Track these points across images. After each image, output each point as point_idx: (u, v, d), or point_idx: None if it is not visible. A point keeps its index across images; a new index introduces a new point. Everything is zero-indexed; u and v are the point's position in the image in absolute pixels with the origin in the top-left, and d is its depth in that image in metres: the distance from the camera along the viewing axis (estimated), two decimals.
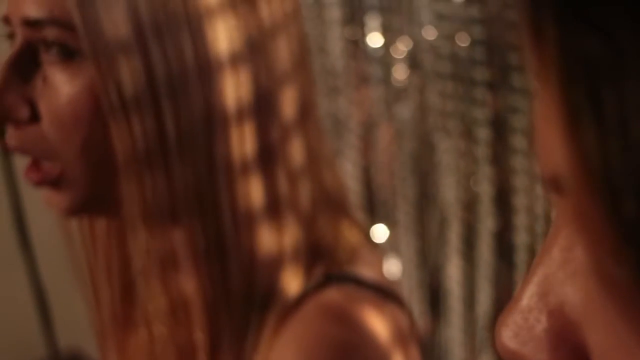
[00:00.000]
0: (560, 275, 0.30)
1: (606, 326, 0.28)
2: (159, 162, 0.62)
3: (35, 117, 0.64)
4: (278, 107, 0.67)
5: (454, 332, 1.30)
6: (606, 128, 0.23)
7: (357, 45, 1.34)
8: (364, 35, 1.32)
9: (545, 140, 0.27)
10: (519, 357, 0.31)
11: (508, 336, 0.31)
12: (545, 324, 0.30)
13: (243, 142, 0.64)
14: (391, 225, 1.41)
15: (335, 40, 1.37)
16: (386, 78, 1.31)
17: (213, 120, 0.63)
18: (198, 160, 0.63)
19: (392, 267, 1.41)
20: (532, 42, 0.26)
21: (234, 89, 0.63)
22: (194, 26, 0.61)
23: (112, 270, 0.75)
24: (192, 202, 0.64)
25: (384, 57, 1.30)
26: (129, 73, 0.60)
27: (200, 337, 0.68)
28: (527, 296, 0.31)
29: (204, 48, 0.62)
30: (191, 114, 0.62)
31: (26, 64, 0.63)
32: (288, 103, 0.68)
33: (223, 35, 0.62)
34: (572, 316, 0.30)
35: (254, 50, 0.65)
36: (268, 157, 0.66)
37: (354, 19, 1.33)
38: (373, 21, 1.31)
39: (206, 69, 0.62)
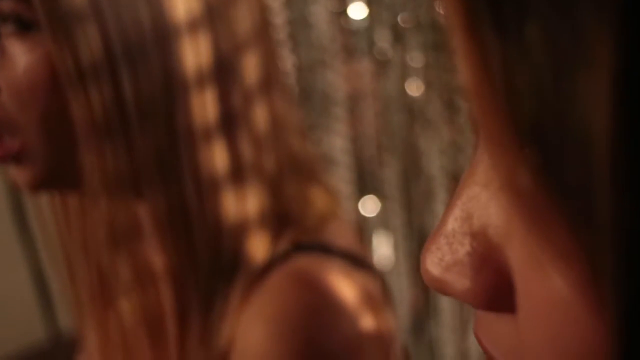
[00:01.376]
0: (483, 196, 0.30)
1: (522, 244, 0.27)
2: (119, 131, 0.62)
3: None
4: (240, 73, 0.66)
5: (443, 302, 1.30)
6: (504, 30, 0.23)
7: (341, 17, 1.33)
8: (347, 7, 1.31)
9: (460, 59, 0.27)
10: (442, 283, 0.30)
11: (432, 262, 0.30)
12: (468, 247, 0.29)
13: (204, 108, 0.64)
14: (381, 197, 1.41)
15: (320, 13, 1.36)
16: (370, 50, 1.31)
17: (173, 87, 0.63)
18: (159, 128, 0.63)
19: (382, 240, 1.41)
20: None
21: (193, 55, 0.63)
22: None
23: (87, 247, 0.75)
24: (154, 171, 0.64)
25: (368, 29, 1.30)
26: (85, 42, 0.60)
27: (168, 307, 0.69)
28: (451, 220, 0.30)
29: (161, 14, 0.61)
30: (150, 81, 0.62)
31: None
32: (250, 69, 0.67)
33: (180, 1, 0.62)
34: (494, 238, 0.29)
35: (213, 16, 0.64)
36: (230, 124, 0.66)
37: None
38: None
39: (164, 35, 0.62)
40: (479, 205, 0.29)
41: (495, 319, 0.30)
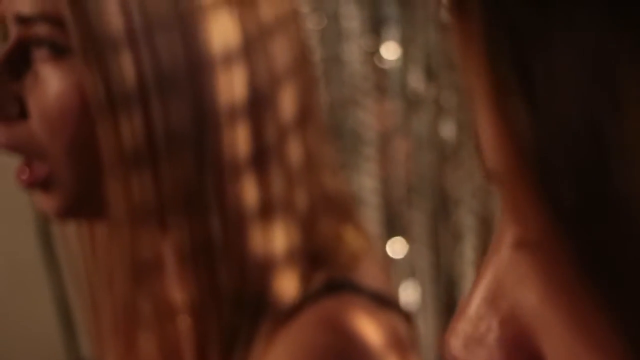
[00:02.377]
0: (510, 277, 0.28)
1: (559, 333, 0.26)
2: (146, 162, 0.62)
3: (24, 115, 0.64)
4: (275, 108, 0.66)
5: None
6: (535, 102, 0.22)
7: (374, 56, 1.33)
8: (380, 46, 1.31)
9: (479, 125, 0.25)
10: None
11: (458, 346, 0.28)
12: (497, 332, 0.28)
13: (235, 142, 0.64)
14: (409, 239, 1.39)
15: (353, 52, 1.36)
16: (403, 90, 1.30)
17: (204, 120, 0.62)
18: (187, 161, 0.62)
19: (409, 283, 1.40)
20: (456, 16, 0.24)
21: (227, 88, 0.63)
22: (186, 24, 0.61)
23: (111, 277, 0.75)
24: (180, 204, 0.63)
25: (401, 69, 1.29)
26: (117, 71, 0.60)
27: (187, 344, 0.67)
28: (477, 301, 0.29)
29: (195, 46, 0.61)
30: (181, 113, 0.61)
31: (18, 61, 0.63)
32: (286, 104, 0.67)
33: (216, 34, 0.62)
34: (525, 322, 0.27)
35: (250, 48, 0.64)
36: (263, 159, 0.65)
37: (371, 30, 1.32)
38: (390, 32, 1.30)
39: (198, 67, 0.61)
40: (506, 286, 0.28)
41: None
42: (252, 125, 0.64)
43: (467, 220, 1.23)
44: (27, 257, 1.96)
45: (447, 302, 1.32)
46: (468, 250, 1.23)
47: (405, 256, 1.40)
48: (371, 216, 1.40)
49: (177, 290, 0.67)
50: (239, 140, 0.64)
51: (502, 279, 0.28)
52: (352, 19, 1.34)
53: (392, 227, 1.42)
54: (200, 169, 0.63)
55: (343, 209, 0.73)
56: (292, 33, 0.68)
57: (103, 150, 0.62)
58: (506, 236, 0.28)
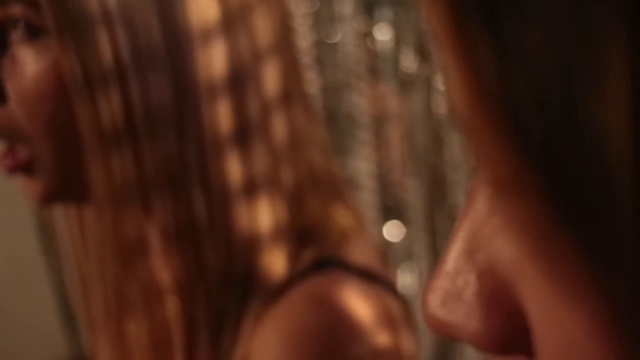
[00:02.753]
0: (487, 228, 0.27)
1: (533, 282, 0.25)
2: (127, 141, 0.61)
3: (3, 98, 0.63)
4: (258, 84, 0.65)
5: None
6: (500, 35, 0.21)
7: (367, 38, 1.32)
8: (373, 28, 1.30)
9: (444, 67, 0.24)
10: (447, 327, 0.27)
11: (435, 304, 0.27)
12: (475, 286, 0.27)
13: (217, 119, 0.63)
14: (405, 222, 1.39)
15: (346, 34, 1.35)
16: (396, 71, 1.29)
17: (184, 97, 0.61)
18: (168, 139, 0.61)
19: (407, 268, 1.39)
20: None
21: (206, 64, 0.62)
22: (163, 1, 0.60)
23: (98, 261, 0.74)
24: (163, 183, 0.62)
25: (394, 50, 1.28)
26: (93, 50, 0.59)
27: (175, 325, 0.67)
28: (453, 256, 0.27)
29: (173, 21, 0.60)
30: (161, 91, 0.60)
31: None
32: (269, 81, 0.66)
33: (195, 9, 0.61)
34: (504, 275, 0.26)
35: (231, 24, 0.63)
36: (246, 135, 0.64)
37: (364, 12, 1.31)
38: (382, 14, 1.29)
39: (176, 43, 0.60)
40: (483, 239, 0.27)
41: None
42: (234, 101, 0.63)
43: (463, 202, 1.22)
44: (27, 253, 1.96)
45: None
46: None
47: (402, 240, 1.39)
48: (367, 200, 1.39)
49: (164, 271, 0.66)
50: (221, 116, 0.63)
51: (479, 232, 0.27)
52: (345, 2, 1.33)
53: (389, 211, 1.42)
54: (181, 147, 0.62)
55: (331, 187, 0.72)
56: (274, 10, 0.67)
57: (82, 131, 0.61)
58: (481, 188, 0.26)
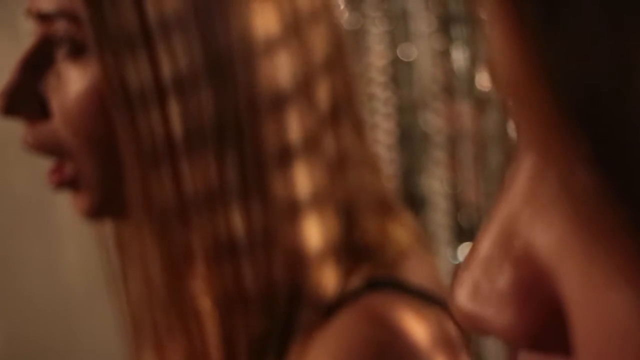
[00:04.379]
0: (526, 212, 0.25)
1: (579, 266, 0.23)
2: (166, 160, 0.61)
3: (47, 114, 0.64)
4: (308, 101, 0.65)
5: None
6: (554, 14, 0.20)
7: (443, 56, 1.31)
8: (449, 47, 1.29)
9: (500, 48, 0.23)
10: (477, 319, 0.25)
11: (464, 296, 0.25)
12: (509, 275, 0.25)
13: (260, 137, 0.62)
14: None
15: (422, 52, 1.34)
16: (471, 90, 1.27)
17: (224, 116, 0.61)
18: (208, 157, 0.61)
19: None
20: None
21: (249, 82, 0.62)
22: (203, 20, 0.60)
23: (148, 281, 0.74)
24: (202, 201, 0.63)
25: (469, 69, 1.27)
26: (133, 69, 0.60)
27: (213, 349, 0.66)
28: (487, 243, 0.25)
29: (214, 43, 0.61)
30: (200, 110, 0.61)
31: (41, 60, 0.64)
32: (319, 98, 0.66)
33: (236, 30, 0.61)
34: (542, 262, 0.24)
35: (279, 43, 0.63)
36: (291, 153, 0.64)
37: (440, 29, 1.30)
38: (458, 32, 1.28)
39: (217, 65, 0.61)
40: (521, 223, 0.24)
41: None
42: (279, 119, 0.63)
43: None
44: (89, 274, 1.99)
45: None
46: None
47: None
48: (441, 220, 1.38)
49: (204, 292, 0.66)
50: (264, 135, 0.63)
51: (516, 216, 0.25)
52: (421, 20, 1.33)
53: (462, 232, 1.40)
54: (221, 165, 0.62)
55: (385, 206, 0.71)
56: (327, 27, 0.67)
57: (122, 149, 0.62)
58: (522, 169, 0.25)
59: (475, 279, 0.25)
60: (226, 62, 0.61)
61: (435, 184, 1.38)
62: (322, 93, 0.65)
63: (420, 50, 1.35)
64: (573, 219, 0.22)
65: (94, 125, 0.62)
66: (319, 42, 0.65)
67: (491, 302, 0.24)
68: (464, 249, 1.40)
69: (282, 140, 0.63)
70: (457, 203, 1.38)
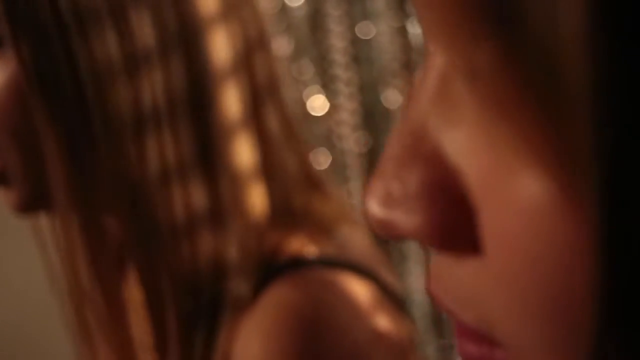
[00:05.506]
0: (435, 112, 0.25)
1: (491, 162, 0.23)
2: (84, 149, 0.61)
3: None
4: (250, 77, 0.65)
5: None
6: None
7: (402, 33, 1.32)
8: (406, 22, 1.30)
9: None
10: (390, 225, 0.25)
11: (376, 203, 0.25)
12: (419, 176, 0.25)
13: (178, 137, 0.62)
14: None
15: (381, 30, 1.35)
16: None
17: (143, 108, 0.61)
18: (125, 145, 0.61)
19: None
20: None
21: (165, 75, 0.61)
22: (116, 17, 0.60)
23: (74, 270, 0.73)
24: (122, 191, 0.62)
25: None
26: (49, 59, 0.59)
27: (145, 334, 0.66)
28: (397, 147, 0.26)
29: (132, 33, 0.60)
30: (119, 101, 0.60)
31: None
32: (257, 74, 0.66)
33: (152, 18, 0.61)
34: (451, 161, 0.24)
35: (225, 17, 0.63)
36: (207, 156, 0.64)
37: (396, 7, 1.31)
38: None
39: (133, 57, 0.60)
40: (430, 125, 0.25)
41: (453, 263, 0.26)
42: (222, 97, 0.63)
43: None
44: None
45: None
46: None
47: None
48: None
49: (131, 284, 0.66)
50: (180, 136, 0.62)
51: (426, 117, 0.25)
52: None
53: None
54: (141, 155, 0.62)
55: (312, 183, 0.71)
56: (253, 8, 0.67)
57: (42, 141, 0.61)
58: (431, 70, 0.25)
59: (386, 184, 0.25)
60: (145, 47, 0.60)
61: None
62: (256, 74, 0.66)
63: (378, 28, 1.36)
64: (481, 110, 0.23)
65: (15, 118, 0.62)
66: (251, 21, 0.66)
67: (402, 206, 0.25)
68: None
69: (215, 121, 0.63)
70: None
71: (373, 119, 1.41)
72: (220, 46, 0.63)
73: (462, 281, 0.25)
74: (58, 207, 0.63)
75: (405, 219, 0.25)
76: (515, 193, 0.22)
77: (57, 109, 0.60)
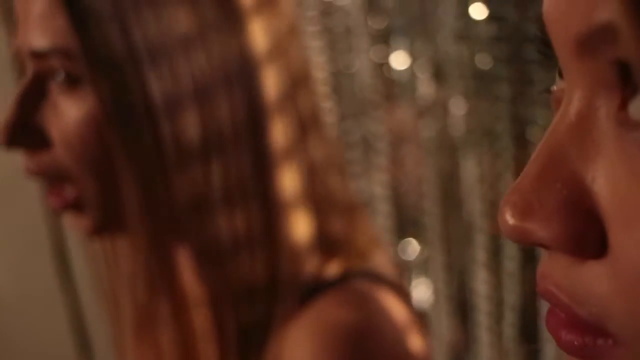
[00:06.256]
0: (575, 145, 0.29)
1: (627, 193, 0.27)
2: (158, 176, 0.65)
3: (47, 144, 0.68)
4: (287, 114, 0.70)
5: (482, 347, 1.31)
6: None
7: (383, 67, 1.38)
8: (389, 57, 1.37)
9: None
10: (523, 232, 0.30)
11: (513, 212, 0.30)
12: (558, 194, 0.29)
13: (241, 155, 0.67)
14: (421, 243, 1.44)
15: (363, 64, 1.41)
16: (412, 98, 1.35)
17: (210, 134, 0.66)
18: (196, 170, 0.66)
19: (422, 286, 1.43)
20: None
21: (232, 105, 0.66)
22: (187, 46, 0.64)
23: (132, 285, 0.78)
24: (191, 209, 0.67)
25: (410, 77, 1.35)
26: (126, 94, 0.64)
27: (205, 337, 0.71)
28: (537, 168, 0.30)
29: (201, 68, 0.65)
30: (189, 130, 0.65)
31: (36, 94, 0.67)
32: (298, 110, 0.71)
33: (218, 55, 0.65)
34: (586, 184, 0.29)
35: (266, 60, 0.68)
36: (268, 164, 0.69)
37: (380, 41, 1.38)
38: (398, 43, 1.36)
39: (202, 90, 0.65)
40: (570, 150, 0.29)
41: (572, 264, 0.30)
42: (256, 138, 0.68)
43: (477, 222, 1.27)
44: (42, 275, 1.99)
45: (459, 301, 1.36)
46: (479, 251, 1.28)
47: (417, 258, 1.44)
48: (383, 223, 1.45)
49: (194, 286, 0.71)
50: (245, 154, 0.68)
51: (565, 145, 0.30)
52: (361, 34, 1.40)
53: (405, 233, 1.47)
54: (208, 176, 0.67)
55: (351, 206, 0.78)
56: (299, 45, 0.73)
57: (120, 169, 0.66)
58: (573, 102, 0.30)
59: (524, 197, 0.30)
60: (211, 81, 0.66)
61: (378, 189, 1.45)
62: (298, 107, 0.71)
63: (361, 61, 1.42)
64: (623, 149, 0.27)
65: (93, 149, 0.66)
66: (293, 60, 0.71)
67: (540, 217, 0.29)
68: (406, 246, 1.48)
69: (263, 150, 0.68)
70: (399, 205, 1.46)
71: (352, 149, 1.47)
72: (272, 81, 0.68)
73: (580, 279, 0.30)
74: (131, 230, 0.67)
75: (542, 228, 0.29)
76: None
77: (132, 140, 0.65)
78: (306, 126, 0.72)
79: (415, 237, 1.44)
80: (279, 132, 0.69)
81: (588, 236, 0.29)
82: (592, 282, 0.29)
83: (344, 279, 0.70)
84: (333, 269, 0.72)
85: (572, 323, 0.30)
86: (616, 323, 0.29)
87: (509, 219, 0.30)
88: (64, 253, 1.93)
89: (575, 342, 0.30)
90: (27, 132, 0.68)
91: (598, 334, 0.30)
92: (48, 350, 2.06)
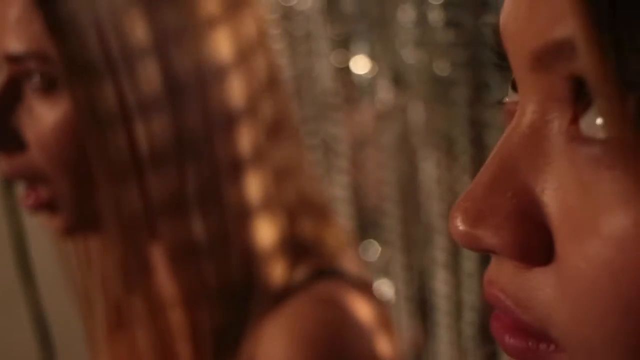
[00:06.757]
0: (527, 157, 0.30)
1: (576, 205, 0.28)
2: (133, 176, 0.67)
3: (22, 146, 0.69)
4: (254, 117, 0.71)
5: (442, 346, 1.34)
6: None
7: (344, 71, 1.40)
8: (349, 61, 1.38)
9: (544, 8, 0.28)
10: (473, 238, 0.31)
11: (464, 219, 0.30)
12: (508, 203, 0.30)
13: (215, 152, 0.69)
14: (382, 244, 1.46)
15: (323, 68, 1.43)
16: (372, 101, 1.37)
17: (183, 135, 0.67)
18: (170, 171, 0.68)
19: (383, 287, 1.45)
20: None
21: (203, 104, 0.68)
22: (161, 50, 0.66)
23: (107, 285, 0.79)
24: (166, 209, 0.68)
25: (370, 82, 1.36)
26: (101, 98, 0.65)
27: (180, 336, 0.72)
28: (488, 176, 0.31)
29: (173, 69, 0.66)
30: (163, 130, 0.66)
31: (11, 97, 0.68)
32: (265, 114, 0.73)
33: (192, 58, 0.67)
34: (536, 194, 0.30)
35: (231, 66, 0.70)
36: (241, 164, 0.71)
37: (341, 46, 1.39)
38: (358, 47, 1.38)
39: (175, 92, 0.67)
40: (523, 161, 0.30)
41: (519, 271, 0.31)
42: (230, 136, 0.70)
43: (437, 224, 1.29)
44: (4, 277, 1.97)
45: (419, 301, 1.38)
46: (439, 252, 1.30)
47: (378, 259, 1.46)
48: (344, 225, 1.46)
49: (168, 286, 0.72)
50: (219, 150, 0.69)
51: (517, 156, 0.30)
52: (321, 38, 1.41)
53: (366, 234, 1.48)
54: (182, 177, 0.68)
55: (320, 208, 0.79)
56: (266, 51, 0.75)
57: (94, 169, 0.67)
58: (526, 120, 0.30)
59: (476, 205, 0.30)
60: (183, 86, 0.67)
61: (339, 191, 1.47)
62: (266, 111, 0.73)
63: (322, 65, 1.44)
64: (575, 164, 0.28)
65: (68, 152, 0.67)
66: (261, 66, 0.72)
67: (490, 225, 0.30)
68: (367, 247, 1.50)
69: (234, 154, 0.69)
70: (360, 207, 1.48)
71: (313, 151, 1.48)
72: (239, 86, 0.69)
73: (526, 286, 0.31)
74: (105, 231, 0.68)
75: (492, 236, 0.30)
76: (602, 224, 0.28)
77: (107, 142, 0.65)
78: (275, 130, 0.73)
79: (376, 238, 1.46)
80: (246, 137, 0.70)
81: (536, 244, 0.30)
82: (537, 288, 0.30)
83: (314, 279, 0.72)
84: (304, 269, 0.73)
85: (516, 328, 0.31)
86: (559, 329, 0.30)
87: (460, 224, 0.31)
88: (24, 251, 1.92)
89: (519, 346, 0.31)
90: (1, 134, 0.68)
91: (541, 339, 0.31)
92: (10, 349, 2.04)
